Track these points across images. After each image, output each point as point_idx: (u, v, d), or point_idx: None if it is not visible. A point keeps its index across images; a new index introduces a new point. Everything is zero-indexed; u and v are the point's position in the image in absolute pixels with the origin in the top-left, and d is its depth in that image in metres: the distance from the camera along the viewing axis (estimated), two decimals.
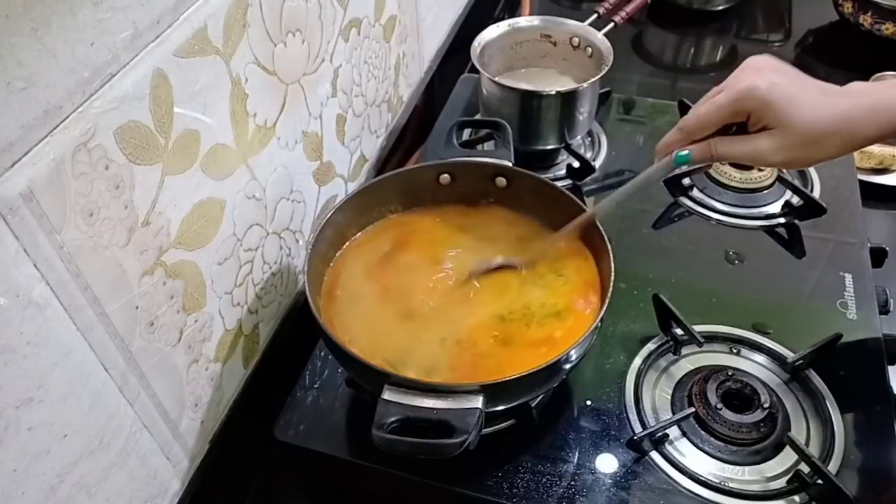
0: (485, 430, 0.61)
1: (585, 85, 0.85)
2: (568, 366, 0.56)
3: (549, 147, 0.90)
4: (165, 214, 0.50)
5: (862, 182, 0.86)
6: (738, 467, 0.60)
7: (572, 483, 0.59)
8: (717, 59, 1.29)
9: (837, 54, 1.24)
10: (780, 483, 0.59)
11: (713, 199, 0.85)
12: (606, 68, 0.86)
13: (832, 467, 0.59)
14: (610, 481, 0.59)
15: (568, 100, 0.85)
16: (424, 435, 0.48)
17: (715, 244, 0.80)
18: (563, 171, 0.91)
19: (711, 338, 0.69)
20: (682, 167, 0.63)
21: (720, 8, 1.34)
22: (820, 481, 0.57)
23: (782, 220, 0.82)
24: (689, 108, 0.92)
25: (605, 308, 0.56)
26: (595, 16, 0.96)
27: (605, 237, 0.62)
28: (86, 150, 0.41)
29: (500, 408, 0.56)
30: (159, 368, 0.53)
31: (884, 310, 0.73)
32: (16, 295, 0.38)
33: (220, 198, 0.57)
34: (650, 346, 0.69)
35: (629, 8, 0.96)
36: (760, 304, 0.73)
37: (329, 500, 0.70)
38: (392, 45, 0.88)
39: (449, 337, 0.60)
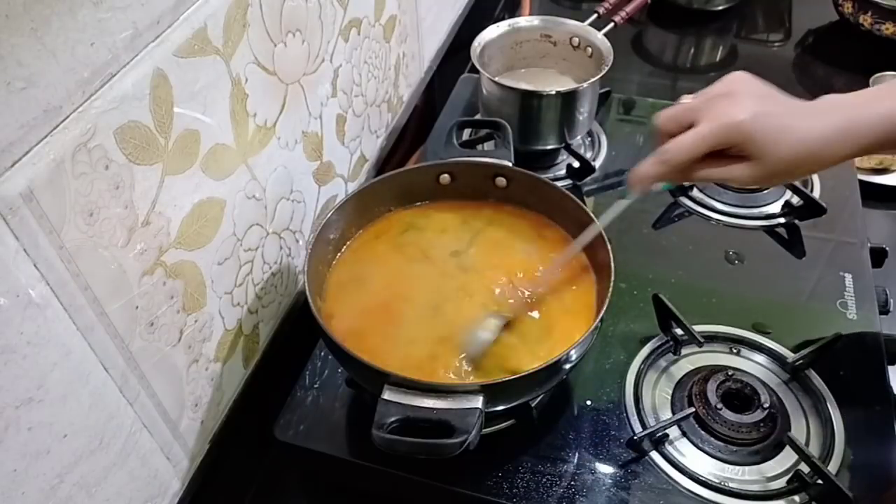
0: (485, 430, 0.61)
1: (585, 85, 0.85)
2: (568, 366, 0.56)
3: (549, 147, 0.90)
4: (165, 214, 0.50)
5: (862, 182, 0.86)
6: (738, 467, 0.60)
7: (572, 483, 0.59)
8: (717, 59, 1.29)
9: (837, 54, 1.24)
10: (780, 483, 0.59)
11: (713, 199, 0.85)
12: (606, 68, 0.86)
13: (832, 467, 0.59)
14: (610, 481, 0.59)
15: (568, 100, 0.85)
16: (424, 435, 0.48)
17: (715, 244, 0.80)
18: (563, 171, 0.91)
19: (711, 338, 0.69)
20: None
21: (720, 8, 1.34)
22: (820, 481, 0.57)
23: (782, 220, 0.82)
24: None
25: (604, 308, 0.56)
26: (595, 16, 0.96)
27: (605, 237, 0.62)
28: (86, 150, 0.41)
29: (500, 408, 0.56)
30: (159, 368, 0.53)
31: (884, 310, 0.73)
32: (16, 295, 0.38)
33: (220, 198, 0.57)
34: (650, 346, 0.69)
35: (629, 8, 0.96)
36: (760, 304, 0.73)
37: (329, 500, 0.70)
38: (392, 45, 0.88)
39: (447, 334, 0.60)
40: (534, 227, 0.70)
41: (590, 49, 0.91)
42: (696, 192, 0.86)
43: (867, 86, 1.10)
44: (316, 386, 0.67)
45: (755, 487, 0.59)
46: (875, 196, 0.94)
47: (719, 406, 0.62)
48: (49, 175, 0.39)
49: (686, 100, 0.57)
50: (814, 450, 0.60)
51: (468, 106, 1.01)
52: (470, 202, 0.72)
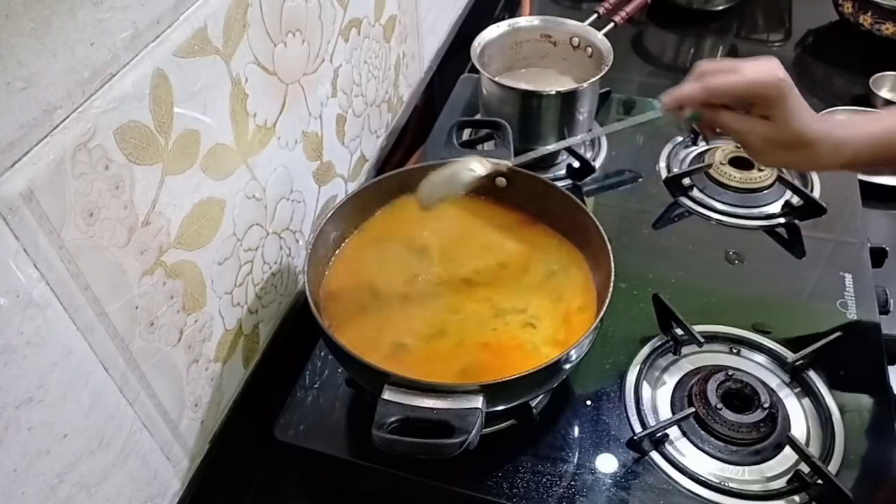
0: (485, 430, 0.61)
1: (585, 85, 0.85)
2: (568, 366, 0.56)
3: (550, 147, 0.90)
4: (165, 214, 0.50)
5: (862, 182, 0.86)
6: (738, 467, 0.60)
7: (572, 483, 0.59)
8: (717, 59, 1.29)
9: (837, 54, 1.24)
10: (780, 483, 0.59)
11: (713, 199, 0.85)
12: (606, 68, 0.86)
13: (832, 467, 0.59)
14: (610, 481, 0.59)
15: (568, 100, 0.85)
16: (424, 435, 0.48)
17: (715, 244, 0.80)
18: (563, 171, 0.91)
19: (711, 338, 0.69)
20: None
21: (720, 8, 1.34)
22: (820, 481, 0.57)
23: (782, 220, 0.82)
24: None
25: (605, 308, 0.56)
26: (595, 16, 0.96)
27: (605, 237, 0.62)
28: (86, 150, 0.41)
29: (500, 408, 0.56)
30: (159, 368, 0.53)
31: (884, 310, 0.73)
32: (16, 295, 0.38)
33: (220, 198, 0.57)
34: (650, 346, 0.69)
35: (629, 8, 0.96)
36: (760, 304, 0.73)
37: (329, 500, 0.70)
38: (392, 45, 0.88)
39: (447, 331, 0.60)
40: (534, 226, 0.70)
41: (590, 49, 0.91)
42: (696, 192, 0.86)
43: (867, 86, 1.10)
44: (316, 386, 0.67)
45: (755, 487, 0.59)
46: (875, 196, 0.94)
47: (719, 406, 0.62)
48: (49, 175, 0.39)
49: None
50: (814, 450, 0.60)
51: (468, 106, 1.01)
52: (470, 202, 0.72)
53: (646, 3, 0.98)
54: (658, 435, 0.61)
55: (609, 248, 0.61)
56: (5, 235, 0.37)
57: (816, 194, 0.83)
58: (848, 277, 0.75)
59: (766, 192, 0.85)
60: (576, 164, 0.89)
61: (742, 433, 0.61)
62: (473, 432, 0.48)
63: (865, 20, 1.19)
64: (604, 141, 0.95)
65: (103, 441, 0.48)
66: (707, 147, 0.91)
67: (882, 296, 0.73)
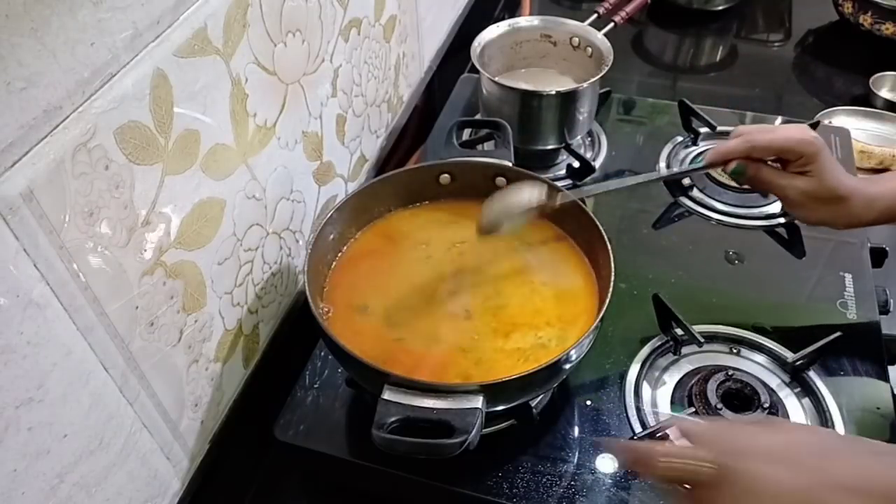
0: (485, 430, 0.61)
1: (585, 85, 0.85)
2: (568, 365, 0.56)
3: (549, 147, 0.90)
4: (165, 214, 0.50)
5: None
6: None
7: (572, 483, 0.59)
8: (717, 59, 1.29)
9: (837, 54, 1.24)
10: None
11: (713, 199, 0.85)
12: (606, 68, 0.86)
13: None
14: (610, 481, 0.59)
15: (568, 100, 0.85)
16: (424, 435, 0.48)
17: (715, 244, 0.80)
18: (563, 171, 0.91)
19: (711, 338, 0.69)
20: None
21: (720, 8, 1.34)
22: None
23: (782, 220, 0.82)
24: (690, 108, 0.92)
25: (605, 308, 0.56)
26: (595, 16, 0.96)
27: (605, 237, 0.62)
28: (86, 150, 0.41)
29: (500, 408, 0.56)
30: (159, 368, 0.53)
31: (884, 310, 0.73)
32: (16, 295, 0.38)
33: (220, 198, 0.57)
34: (650, 346, 0.69)
35: (629, 8, 0.96)
36: (760, 304, 0.73)
37: (329, 500, 0.70)
38: (392, 45, 0.88)
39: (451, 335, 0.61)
40: (534, 226, 0.70)
41: (590, 49, 0.91)
42: (696, 192, 0.86)
43: (867, 86, 1.10)
44: (316, 386, 0.67)
45: None
46: None
47: (719, 406, 0.62)
48: (49, 175, 0.39)
49: None
50: None
51: (468, 106, 1.01)
52: (470, 202, 0.72)
53: (646, 3, 0.98)
54: (658, 435, 0.61)
55: (609, 247, 0.61)
56: (5, 235, 0.37)
57: None
58: (848, 277, 0.75)
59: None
60: (576, 164, 0.89)
61: None
62: (473, 432, 0.48)
63: (865, 20, 1.19)
64: (604, 141, 0.95)
65: (103, 441, 0.48)
66: (707, 147, 0.92)
67: (882, 296, 0.73)
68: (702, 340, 0.66)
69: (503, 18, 1.03)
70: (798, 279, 0.76)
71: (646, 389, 0.66)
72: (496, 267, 0.67)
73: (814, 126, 0.89)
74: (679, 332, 0.68)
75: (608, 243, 0.61)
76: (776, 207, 0.84)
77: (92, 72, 0.41)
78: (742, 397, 0.63)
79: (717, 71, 1.25)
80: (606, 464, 0.60)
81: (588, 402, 0.65)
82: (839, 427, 0.62)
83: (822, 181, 0.63)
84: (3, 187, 0.37)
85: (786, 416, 0.63)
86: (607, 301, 0.57)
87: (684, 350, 0.68)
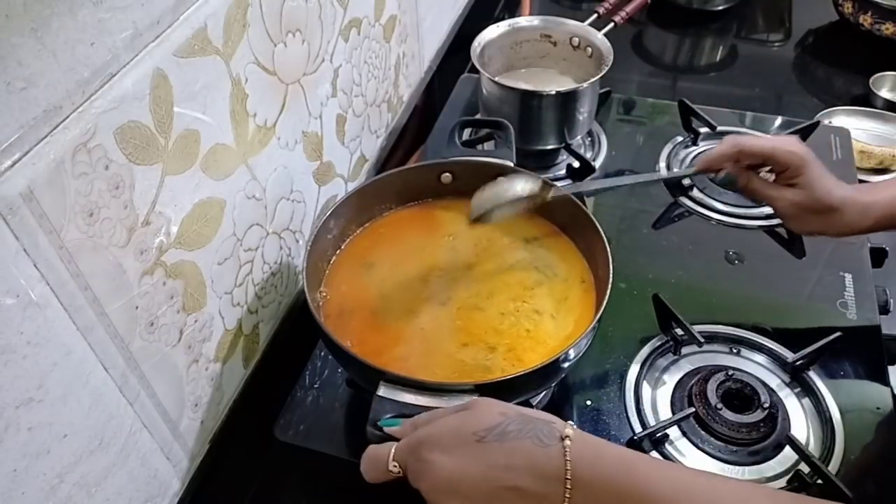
0: None
1: (585, 85, 0.85)
2: (566, 364, 0.56)
3: (549, 147, 0.90)
4: (165, 214, 0.50)
5: (862, 182, 0.86)
6: (738, 467, 0.60)
7: None
8: (717, 59, 1.29)
9: (837, 54, 1.24)
10: (780, 483, 0.59)
11: (713, 199, 0.85)
12: (606, 68, 0.86)
13: (832, 467, 0.59)
14: None
15: (568, 100, 0.85)
16: None
17: (715, 244, 0.80)
18: (563, 171, 0.91)
19: (711, 338, 0.69)
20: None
21: (720, 8, 1.34)
22: (820, 481, 0.57)
23: None
24: (690, 108, 0.92)
25: (602, 308, 0.56)
26: (595, 16, 0.96)
27: (604, 237, 0.62)
28: (86, 150, 0.41)
29: None
30: (159, 368, 0.53)
31: (884, 310, 0.73)
32: (16, 295, 0.38)
33: (220, 198, 0.57)
34: (650, 346, 0.69)
35: (629, 8, 0.96)
36: (760, 304, 0.73)
37: (329, 500, 0.70)
38: (392, 45, 0.88)
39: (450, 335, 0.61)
40: (534, 226, 0.70)
41: (590, 49, 0.91)
42: (696, 192, 0.86)
43: (867, 86, 1.10)
44: (316, 386, 0.67)
45: None
46: None
47: (719, 406, 0.62)
48: (49, 175, 0.39)
49: None
50: (814, 450, 0.61)
51: (468, 106, 1.01)
52: (470, 202, 0.72)
53: (646, 3, 0.98)
54: (658, 435, 0.61)
55: (608, 248, 0.61)
56: (5, 235, 0.37)
57: None
58: (848, 277, 0.75)
59: None
60: (576, 164, 0.89)
61: (742, 433, 0.61)
62: None
63: (865, 20, 1.19)
64: (604, 141, 0.95)
65: (103, 441, 0.48)
66: (707, 147, 0.92)
67: (882, 296, 0.73)
68: (702, 340, 0.66)
69: (503, 18, 1.03)
70: (798, 279, 0.76)
71: (646, 389, 0.66)
72: (497, 266, 0.67)
73: (814, 126, 0.89)
74: (679, 332, 0.68)
75: (606, 243, 0.61)
76: None
77: (92, 72, 0.41)
78: (742, 397, 0.63)
79: (717, 71, 1.25)
80: None
81: (588, 402, 0.65)
82: (839, 427, 0.62)
83: (811, 193, 0.64)
84: (3, 187, 0.37)
85: (786, 416, 0.63)
86: (605, 301, 0.57)
87: (684, 350, 0.68)
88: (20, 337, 0.39)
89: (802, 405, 0.64)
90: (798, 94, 1.18)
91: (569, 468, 0.40)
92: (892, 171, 0.98)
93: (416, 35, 0.96)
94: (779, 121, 0.96)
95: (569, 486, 0.40)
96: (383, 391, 0.50)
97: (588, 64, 0.91)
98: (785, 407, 0.64)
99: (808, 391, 0.65)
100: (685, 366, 0.68)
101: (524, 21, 0.94)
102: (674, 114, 0.95)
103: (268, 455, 0.70)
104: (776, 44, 1.30)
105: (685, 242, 0.81)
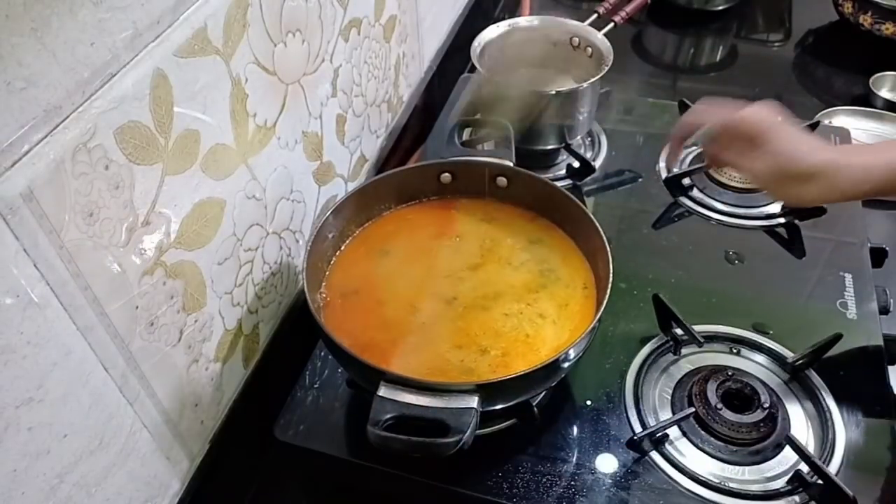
0: (485, 430, 0.61)
1: (585, 85, 0.85)
2: (566, 364, 0.56)
3: (549, 147, 0.90)
4: (165, 214, 0.50)
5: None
6: (738, 467, 0.60)
7: (572, 483, 0.59)
8: (717, 59, 1.29)
9: (837, 54, 1.24)
10: (780, 483, 0.59)
11: (713, 199, 0.85)
12: (606, 68, 0.86)
13: (832, 467, 0.59)
14: (610, 481, 0.59)
15: (568, 100, 0.85)
16: (420, 433, 0.48)
17: (715, 244, 0.80)
18: (563, 171, 0.91)
19: (711, 338, 0.69)
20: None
21: (720, 8, 1.34)
22: (820, 481, 0.57)
23: (782, 220, 0.82)
24: (689, 108, 0.92)
25: (602, 308, 0.56)
26: (595, 16, 0.96)
27: (604, 237, 0.62)
28: (86, 150, 0.41)
29: (498, 407, 0.56)
30: (159, 368, 0.53)
31: (884, 310, 0.73)
32: (16, 295, 0.38)
33: (220, 198, 0.57)
34: (650, 346, 0.69)
35: (629, 8, 0.96)
36: (760, 304, 0.73)
37: (329, 500, 0.70)
38: (392, 45, 0.88)
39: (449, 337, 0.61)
40: (534, 226, 0.70)
41: (590, 49, 0.91)
42: (696, 192, 0.86)
43: (867, 86, 1.10)
44: (316, 386, 0.67)
45: (755, 487, 0.59)
46: None
47: (719, 406, 0.62)
48: (49, 175, 0.39)
49: None
50: (814, 450, 0.60)
51: (468, 106, 1.01)
52: (470, 201, 0.72)
53: (646, 3, 0.98)
54: (658, 435, 0.61)
55: (608, 248, 0.61)
56: (5, 235, 0.37)
57: None
58: (848, 277, 0.75)
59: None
60: (576, 164, 0.89)
61: (742, 433, 0.61)
62: (468, 432, 0.48)
63: (865, 20, 1.19)
64: (604, 141, 0.95)
65: (103, 441, 0.48)
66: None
67: (882, 296, 0.73)
68: (702, 340, 0.66)
69: (503, 18, 1.03)
70: (798, 279, 0.76)
71: (646, 389, 0.66)
72: (497, 266, 0.67)
73: (813, 126, 0.89)
74: (679, 332, 0.68)
75: (607, 244, 0.61)
76: (776, 207, 0.84)
77: (92, 72, 0.41)
78: (742, 397, 0.63)
79: (717, 71, 1.25)
80: (606, 464, 0.60)
81: (588, 402, 0.65)
82: (839, 427, 0.62)
83: (786, 158, 0.59)
84: (3, 187, 0.37)
85: (786, 416, 0.63)
86: (605, 301, 0.57)
87: (684, 350, 0.68)
88: (20, 337, 0.39)
89: (802, 405, 0.64)
90: (798, 94, 1.18)
91: None
92: None
93: (416, 35, 0.96)
94: None
95: None
96: (383, 391, 0.50)
97: (588, 64, 0.91)
98: (785, 407, 0.64)
99: (808, 391, 0.65)
100: (685, 366, 0.68)
101: (524, 21, 0.94)
102: (674, 114, 0.95)
103: (268, 455, 0.70)
104: (776, 44, 1.30)
105: (685, 242, 0.81)
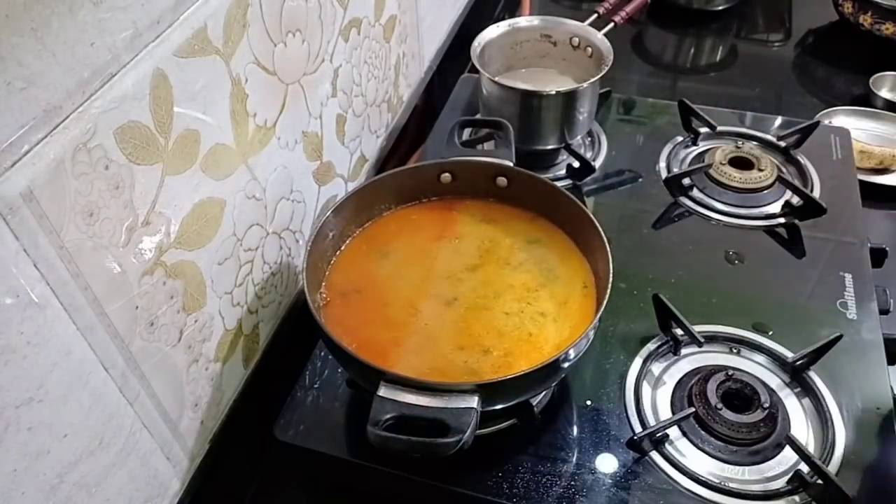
0: (485, 430, 0.61)
1: (585, 85, 0.85)
2: (566, 364, 0.56)
3: (549, 147, 0.90)
4: (165, 214, 0.50)
5: (862, 182, 0.86)
6: (738, 467, 0.60)
7: (572, 483, 0.59)
8: (717, 59, 1.29)
9: (837, 54, 1.24)
10: (780, 483, 0.59)
11: (713, 199, 0.85)
12: (606, 68, 0.86)
13: (832, 467, 0.59)
14: (610, 481, 0.59)
15: (568, 100, 0.85)
16: (420, 434, 0.48)
17: (715, 244, 0.80)
18: (563, 171, 0.91)
19: (711, 338, 0.69)
20: None
21: (720, 8, 1.34)
22: (820, 481, 0.57)
23: (782, 220, 0.82)
24: (690, 107, 0.92)
25: (602, 308, 0.56)
26: (595, 16, 0.96)
27: (604, 237, 0.62)
28: (86, 150, 0.41)
29: (498, 407, 0.56)
30: (159, 368, 0.53)
31: (884, 310, 0.73)
32: (16, 295, 0.38)
33: (220, 198, 0.57)
34: (650, 346, 0.69)
35: (629, 8, 0.96)
36: (760, 304, 0.73)
37: (329, 500, 0.70)
38: (392, 45, 0.88)
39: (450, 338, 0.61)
40: (534, 226, 0.70)
41: (590, 49, 0.91)
42: (696, 192, 0.86)
43: (867, 86, 1.10)
44: (316, 386, 0.67)
45: (755, 487, 0.59)
46: (875, 196, 0.94)
47: (719, 406, 0.62)
48: (49, 175, 0.39)
49: None
50: (814, 450, 0.60)
51: (468, 106, 1.01)
52: (471, 201, 0.72)
53: (646, 3, 0.98)
54: (658, 435, 0.61)
55: (608, 248, 0.61)
56: (5, 235, 0.37)
57: (816, 194, 0.83)
58: (848, 277, 0.75)
59: (766, 192, 0.85)
60: (576, 164, 0.89)
61: (742, 433, 0.61)
62: (468, 432, 0.48)
63: (865, 20, 1.19)
64: (604, 141, 0.95)
65: (103, 441, 0.48)
66: (707, 147, 0.92)
67: (882, 296, 0.73)
68: (702, 340, 0.66)
69: (503, 18, 1.03)
70: (798, 279, 0.76)
71: (646, 389, 0.66)
72: (497, 266, 0.67)
73: (814, 126, 0.89)
74: (679, 332, 0.68)
75: (607, 244, 0.61)
76: (776, 207, 0.84)
77: (92, 72, 0.41)
78: (742, 397, 0.63)
79: (717, 71, 1.25)
80: (606, 464, 0.60)
81: (588, 402, 0.65)
82: (839, 427, 0.62)
83: None
84: (3, 187, 0.37)
85: (786, 416, 0.63)
86: (605, 301, 0.57)
87: (684, 350, 0.68)
88: (20, 337, 0.39)
89: (802, 405, 0.64)
90: (798, 94, 1.18)
91: None
92: (893, 171, 0.98)
93: (416, 35, 0.96)
94: (779, 121, 0.96)
95: None
96: (383, 391, 0.50)
97: (588, 64, 0.91)
98: (785, 407, 0.64)
99: (808, 391, 0.65)
100: (685, 366, 0.68)
101: (524, 21, 0.94)
102: (674, 114, 0.95)
103: (268, 455, 0.70)
104: (776, 44, 1.31)
105: (685, 242, 0.81)
